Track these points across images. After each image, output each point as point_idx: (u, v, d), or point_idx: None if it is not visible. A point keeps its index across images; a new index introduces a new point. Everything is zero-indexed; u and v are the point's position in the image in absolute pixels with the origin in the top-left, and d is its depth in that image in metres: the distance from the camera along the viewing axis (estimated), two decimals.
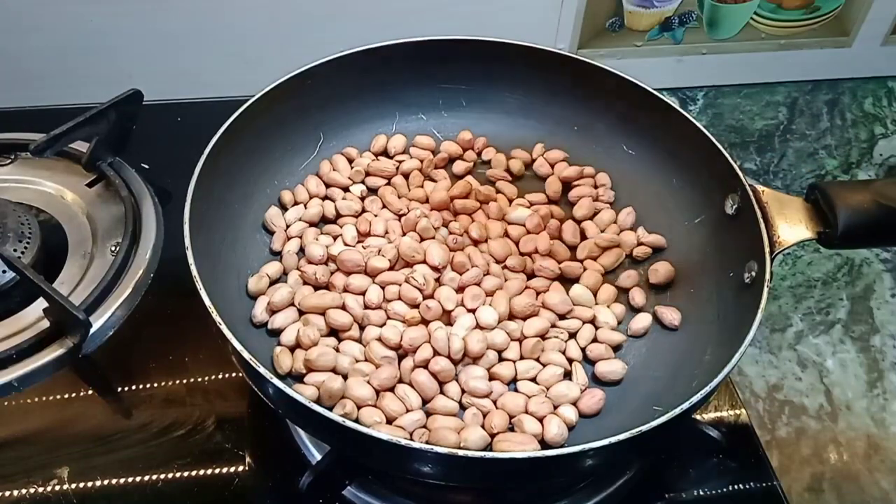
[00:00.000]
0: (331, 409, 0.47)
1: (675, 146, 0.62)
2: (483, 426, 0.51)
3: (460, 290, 0.57)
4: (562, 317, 0.57)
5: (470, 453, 0.43)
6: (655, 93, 0.62)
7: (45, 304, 0.58)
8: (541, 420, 0.51)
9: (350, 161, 0.66)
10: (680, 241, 0.62)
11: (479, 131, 0.68)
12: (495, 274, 0.58)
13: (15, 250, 0.61)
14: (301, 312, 0.55)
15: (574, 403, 0.52)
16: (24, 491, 0.52)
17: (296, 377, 0.52)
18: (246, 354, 0.45)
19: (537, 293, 0.58)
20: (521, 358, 0.55)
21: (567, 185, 0.66)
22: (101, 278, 0.62)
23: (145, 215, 0.68)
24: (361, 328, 0.55)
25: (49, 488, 0.53)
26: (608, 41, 0.88)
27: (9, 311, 0.60)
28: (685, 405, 0.44)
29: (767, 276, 0.50)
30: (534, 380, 0.54)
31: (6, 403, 0.57)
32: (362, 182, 0.65)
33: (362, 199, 0.64)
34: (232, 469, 0.54)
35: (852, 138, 0.91)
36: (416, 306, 0.56)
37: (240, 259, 0.58)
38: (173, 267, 0.63)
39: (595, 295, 0.59)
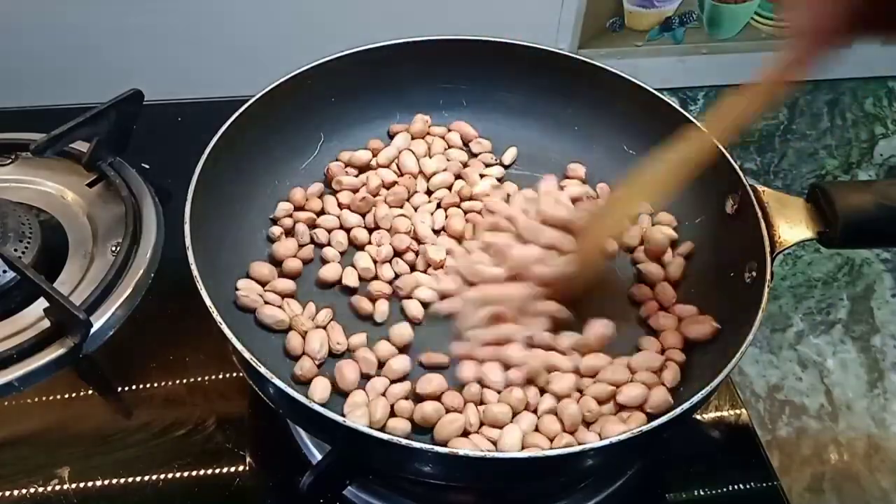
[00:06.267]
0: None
1: None
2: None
3: None
4: None
5: (470, 453, 0.43)
6: (656, 93, 0.62)
7: (46, 304, 0.58)
8: None
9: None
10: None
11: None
12: None
13: (15, 250, 0.61)
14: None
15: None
16: (24, 491, 0.52)
17: (299, 381, 0.52)
18: (247, 354, 0.45)
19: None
20: None
21: None
22: (101, 278, 0.62)
23: (146, 215, 0.68)
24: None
25: (49, 488, 0.53)
26: (609, 41, 0.88)
27: (9, 311, 0.60)
28: (685, 405, 0.44)
29: (768, 276, 0.50)
30: None
31: (6, 403, 0.57)
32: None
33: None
34: (232, 469, 0.54)
35: (853, 138, 0.91)
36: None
37: (240, 259, 0.58)
38: (174, 267, 0.63)
39: None
